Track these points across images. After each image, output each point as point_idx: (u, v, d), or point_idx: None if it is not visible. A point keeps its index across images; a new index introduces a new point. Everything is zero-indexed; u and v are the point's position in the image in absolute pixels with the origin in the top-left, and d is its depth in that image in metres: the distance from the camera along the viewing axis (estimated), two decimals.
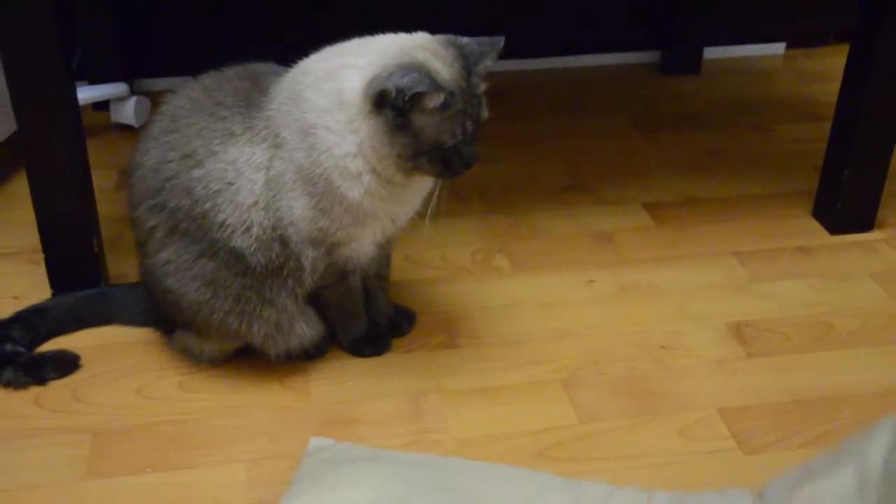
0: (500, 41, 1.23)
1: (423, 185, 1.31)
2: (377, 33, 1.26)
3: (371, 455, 1.24)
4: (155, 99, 1.94)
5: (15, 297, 1.54)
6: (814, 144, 1.90)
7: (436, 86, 1.15)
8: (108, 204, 1.61)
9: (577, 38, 2.34)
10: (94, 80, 2.05)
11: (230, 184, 1.27)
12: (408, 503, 1.13)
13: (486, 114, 1.24)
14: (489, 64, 1.23)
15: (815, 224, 1.78)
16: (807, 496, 1.06)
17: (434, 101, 1.16)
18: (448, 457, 1.23)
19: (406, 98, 1.14)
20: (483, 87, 1.24)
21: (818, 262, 1.69)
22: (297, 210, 1.27)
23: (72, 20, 1.97)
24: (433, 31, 1.26)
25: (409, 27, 1.26)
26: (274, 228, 1.28)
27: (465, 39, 1.24)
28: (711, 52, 2.37)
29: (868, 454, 1.03)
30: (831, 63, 2.25)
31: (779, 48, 2.42)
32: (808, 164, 1.90)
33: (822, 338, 1.52)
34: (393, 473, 1.18)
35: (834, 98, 1.70)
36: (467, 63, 1.21)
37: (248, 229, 1.28)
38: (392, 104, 1.16)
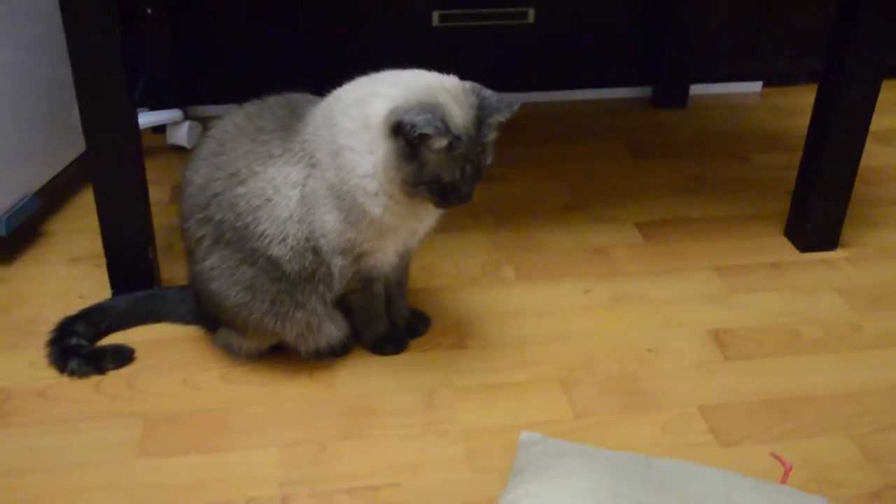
0: (518, 102, 1.23)
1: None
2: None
3: (581, 451, 1.23)
4: (205, 123, 1.96)
5: (81, 297, 1.56)
6: (786, 172, 1.90)
7: (444, 130, 1.16)
8: (162, 216, 1.63)
9: (579, 75, 2.34)
10: (153, 107, 2.07)
11: (269, 200, 1.28)
12: (621, 494, 1.12)
13: (489, 160, 1.24)
14: (502, 119, 1.23)
15: (787, 243, 1.78)
16: None
17: (439, 143, 1.17)
18: (651, 456, 1.21)
19: (416, 134, 1.16)
20: (492, 136, 1.24)
21: (788, 277, 1.69)
22: (328, 223, 1.28)
23: (135, 56, 2.00)
24: (449, 71, 1.26)
25: (427, 66, 1.27)
26: (307, 239, 1.29)
27: (487, 92, 1.24)
28: (697, 89, 2.38)
29: None
30: (802, 101, 2.25)
31: (756, 86, 2.42)
32: (781, 189, 1.91)
33: (790, 344, 1.52)
34: (606, 468, 1.17)
35: (804, 131, 1.71)
36: (483, 113, 1.21)
37: (284, 240, 1.29)
38: (405, 135, 1.17)
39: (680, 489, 1.15)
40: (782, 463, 1.22)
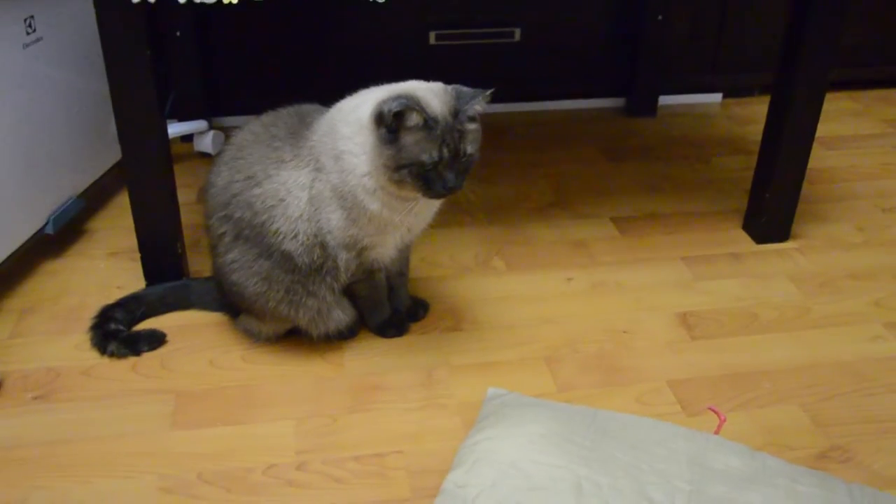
0: (489, 92, 1.20)
1: (432, 202, 1.29)
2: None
3: (538, 403, 1.23)
4: (227, 132, 1.96)
5: (118, 287, 1.55)
6: (743, 173, 1.90)
7: (417, 106, 1.13)
8: (189, 215, 1.61)
9: (560, 87, 2.34)
10: (181, 118, 2.06)
11: (282, 200, 1.27)
12: (569, 439, 1.12)
13: (469, 149, 1.19)
14: (478, 108, 1.20)
15: (744, 235, 1.77)
16: None
17: (414, 119, 1.15)
18: (597, 408, 1.22)
19: (392, 115, 1.14)
20: (472, 126, 1.20)
21: (746, 266, 1.68)
22: (333, 221, 1.26)
23: (165, 73, 2.00)
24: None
25: (424, 79, 1.25)
26: (315, 235, 1.28)
27: (464, 88, 1.21)
28: (664, 100, 2.36)
29: None
30: (757, 110, 2.25)
31: (717, 98, 2.42)
32: (739, 188, 1.90)
33: (749, 325, 1.51)
34: (558, 416, 1.17)
35: (759, 137, 1.69)
36: (458, 103, 1.18)
37: (296, 236, 1.28)
38: (384, 122, 1.15)
39: (620, 435, 1.16)
40: (718, 415, 1.23)
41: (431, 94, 1.18)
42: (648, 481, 1.08)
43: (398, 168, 1.17)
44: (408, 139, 1.16)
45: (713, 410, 1.27)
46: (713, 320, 1.52)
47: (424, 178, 1.17)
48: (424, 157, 1.16)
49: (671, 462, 1.11)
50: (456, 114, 1.18)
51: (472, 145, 1.20)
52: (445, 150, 1.17)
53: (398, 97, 1.15)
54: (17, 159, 1.51)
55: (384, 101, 1.16)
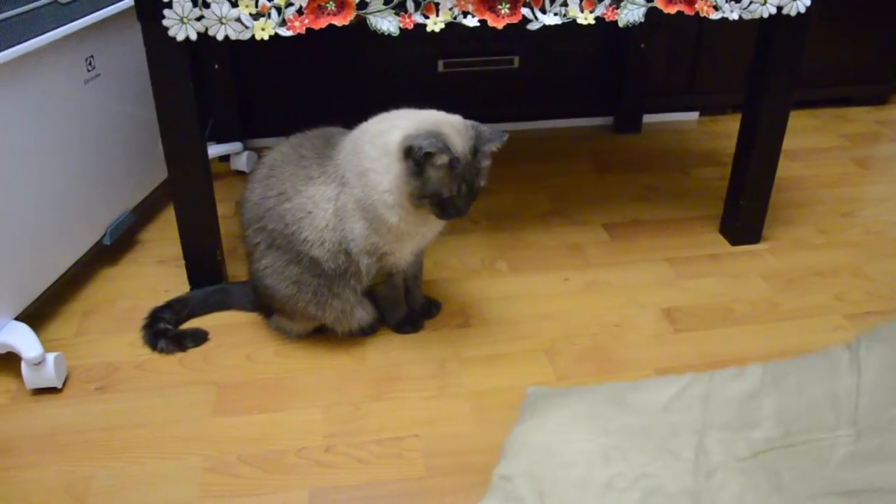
0: (506, 136, 1.19)
1: None
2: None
3: (567, 391, 1.21)
4: (259, 153, 1.94)
5: (166, 290, 1.54)
6: (719, 182, 1.88)
7: (445, 149, 1.12)
8: (227, 226, 1.60)
9: (554, 108, 2.33)
10: (219, 141, 2.05)
11: (310, 212, 1.26)
12: (593, 414, 1.10)
13: (482, 183, 1.20)
14: (494, 149, 1.19)
15: (721, 238, 1.74)
16: None
17: (441, 159, 1.14)
18: (616, 383, 1.19)
19: (422, 153, 1.12)
20: (486, 163, 1.20)
21: (723, 265, 1.65)
22: (356, 230, 1.25)
23: (205, 101, 1.98)
24: (451, 105, 1.23)
25: (434, 102, 1.24)
26: (340, 243, 1.26)
27: (482, 127, 1.20)
28: (648, 118, 2.34)
29: None
30: (730, 127, 2.22)
31: (694, 116, 2.39)
32: (716, 196, 1.87)
33: (725, 318, 1.48)
34: (583, 398, 1.15)
35: (732, 150, 1.67)
36: (478, 143, 1.18)
37: (322, 244, 1.26)
38: (413, 156, 1.14)
39: (636, 401, 1.13)
40: None
41: (454, 131, 1.17)
42: (664, 436, 1.06)
43: (421, 197, 1.17)
44: (432, 175, 1.16)
45: None
46: (694, 315, 1.49)
47: (440, 206, 1.19)
48: (444, 192, 1.17)
49: (683, 411, 1.08)
50: (475, 152, 1.17)
51: (483, 179, 1.20)
52: (464, 186, 1.17)
53: (428, 136, 1.14)
54: (80, 180, 1.51)
55: (414, 137, 1.14)
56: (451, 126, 1.18)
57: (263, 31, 1.24)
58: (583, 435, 1.07)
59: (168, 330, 1.42)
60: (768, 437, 1.03)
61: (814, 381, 1.08)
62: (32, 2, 1.30)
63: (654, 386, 1.16)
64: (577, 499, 0.99)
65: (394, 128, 1.20)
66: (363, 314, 1.36)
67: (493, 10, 1.28)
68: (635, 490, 0.99)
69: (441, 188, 1.16)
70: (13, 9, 1.25)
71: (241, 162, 2.07)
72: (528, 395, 1.22)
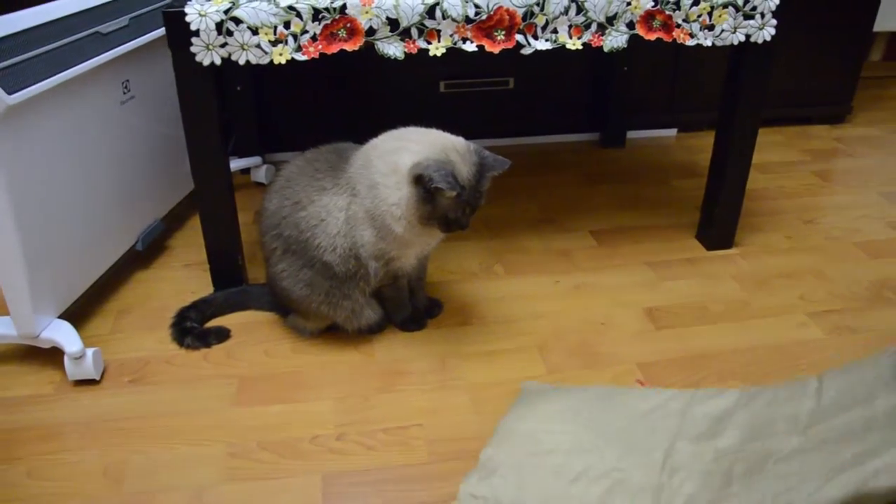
0: (508, 163, 1.21)
1: None
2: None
3: (559, 389, 1.22)
4: (277, 166, 1.96)
5: (192, 292, 1.54)
6: (696, 193, 1.88)
7: (454, 185, 1.13)
8: (247, 233, 1.62)
9: (546, 124, 2.33)
10: (241, 155, 2.06)
11: (323, 220, 1.26)
12: (578, 411, 1.12)
13: (482, 202, 1.22)
14: (495, 174, 1.21)
15: (697, 244, 1.75)
16: None
17: (450, 194, 1.15)
18: (607, 386, 1.21)
19: (433, 186, 1.13)
20: (487, 185, 1.21)
21: (699, 268, 1.66)
22: (366, 237, 1.26)
23: (228, 119, 2.00)
24: (451, 122, 1.24)
25: (436, 120, 1.25)
26: (350, 249, 1.27)
27: (486, 153, 1.21)
28: (632, 134, 2.35)
29: None
30: (705, 142, 2.21)
31: (673, 132, 2.40)
32: (692, 205, 1.88)
33: (701, 317, 1.49)
34: (571, 396, 1.17)
35: (707, 164, 1.68)
36: (481, 169, 1.19)
37: (334, 249, 1.27)
38: (423, 185, 1.15)
39: (620, 405, 1.15)
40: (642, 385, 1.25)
41: (460, 158, 1.17)
42: (640, 438, 1.07)
43: (429, 219, 1.19)
44: (441, 202, 1.17)
45: (640, 382, 1.27)
46: (673, 313, 1.50)
47: (445, 224, 1.20)
48: (451, 215, 1.18)
49: (661, 420, 1.11)
50: (479, 178, 1.18)
51: (483, 199, 1.21)
52: (468, 209, 1.19)
53: (438, 166, 1.14)
54: (115, 192, 1.52)
55: (425, 167, 1.14)
56: (457, 153, 1.18)
57: (281, 56, 1.26)
58: (566, 427, 1.09)
59: (194, 328, 1.43)
60: (728, 445, 1.06)
61: (781, 403, 1.11)
62: (79, 33, 1.32)
63: (640, 394, 1.18)
64: (551, 483, 1.01)
65: (404, 150, 1.20)
66: (371, 314, 1.37)
67: (489, 36, 1.30)
68: (605, 480, 1.01)
69: (447, 212, 1.18)
70: (61, 39, 1.28)
71: (261, 174, 2.07)
72: (523, 389, 1.23)
